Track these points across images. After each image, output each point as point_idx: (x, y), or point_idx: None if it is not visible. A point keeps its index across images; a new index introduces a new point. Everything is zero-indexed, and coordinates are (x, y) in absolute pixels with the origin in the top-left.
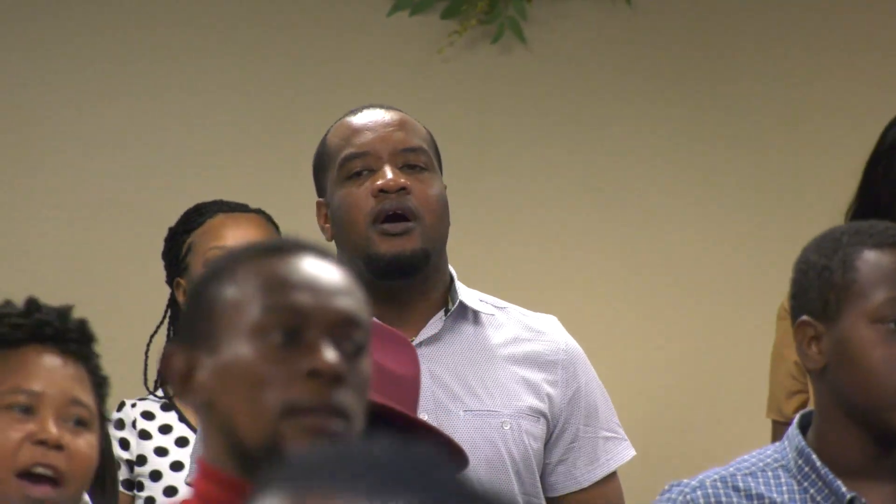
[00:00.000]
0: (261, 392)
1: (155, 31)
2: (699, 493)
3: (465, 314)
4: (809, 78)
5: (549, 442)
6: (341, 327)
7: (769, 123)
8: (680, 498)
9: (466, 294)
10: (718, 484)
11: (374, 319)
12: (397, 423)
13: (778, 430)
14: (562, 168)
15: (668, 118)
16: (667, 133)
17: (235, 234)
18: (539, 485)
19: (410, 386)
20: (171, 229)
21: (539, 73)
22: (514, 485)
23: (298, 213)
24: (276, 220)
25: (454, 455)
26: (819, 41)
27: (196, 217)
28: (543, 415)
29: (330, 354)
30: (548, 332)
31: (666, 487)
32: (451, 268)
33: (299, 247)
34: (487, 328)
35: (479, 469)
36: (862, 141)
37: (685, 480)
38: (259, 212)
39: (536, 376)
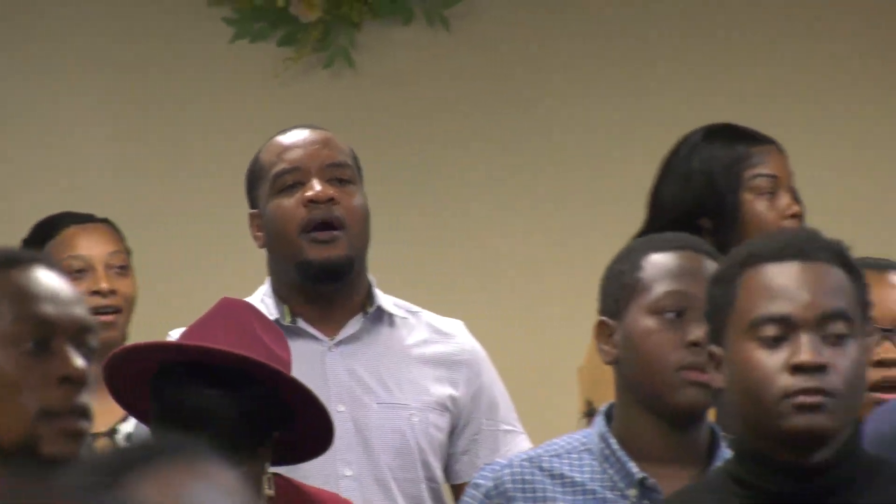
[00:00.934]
0: (17, 396)
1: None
2: (507, 471)
3: (382, 317)
4: (615, 99)
5: (453, 434)
6: (82, 334)
7: (576, 142)
8: (490, 475)
9: (383, 299)
10: (525, 464)
11: (258, 309)
12: (291, 399)
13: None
14: (388, 183)
15: (487, 136)
16: (484, 149)
17: (88, 244)
18: (440, 472)
19: (287, 368)
20: (24, 241)
21: (367, 94)
22: (420, 471)
23: (150, 225)
24: (135, 230)
25: (325, 431)
26: (627, 66)
27: (48, 229)
28: (448, 409)
29: (78, 361)
30: (455, 334)
31: (481, 468)
32: (370, 275)
33: (33, 259)
34: (401, 330)
35: (389, 455)
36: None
37: (498, 461)
38: (106, 221)
39: (443, 374)
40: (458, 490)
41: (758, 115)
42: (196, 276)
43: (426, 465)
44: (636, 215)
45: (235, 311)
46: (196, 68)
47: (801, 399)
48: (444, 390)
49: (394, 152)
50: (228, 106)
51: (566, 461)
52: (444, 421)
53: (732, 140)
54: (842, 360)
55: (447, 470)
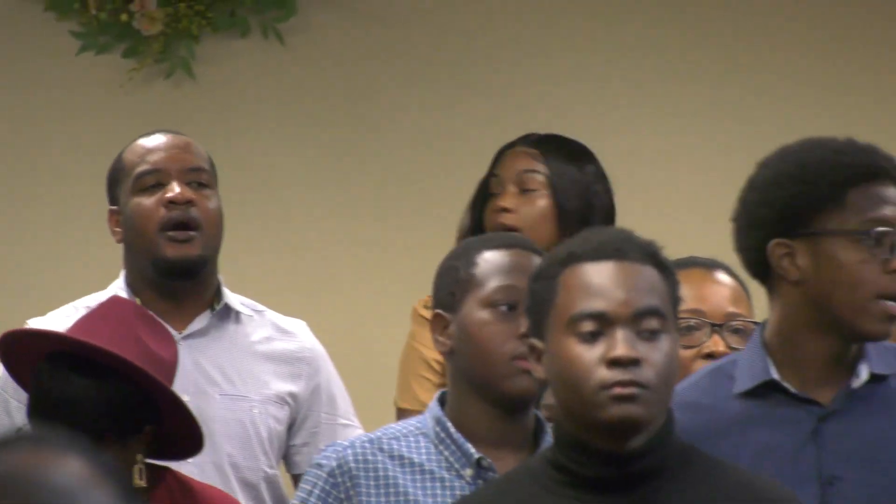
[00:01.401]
0: None
1: None
2: (349, 451)
3: (229, 314)
4: (441, 109)
5: (293, 427)
6: None
7: (402, 151)
8: (334, 455)
9: (231, 297)
10: (367, 445)
11: (148, 312)
12: (158, 397)
13: (402, 417)
14: (223, 187)
15: (318, 143)
16: (316, 156)
17: None
18: (276, 460)
19: (171, 368)
20: None
21: (206, 103)
22: (259, 460)
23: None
24: None
25: (194, 437)
26: (451, 79)
27: None
28: (288, 403)
29: None
30: (296, 333)
31: (324, 448)
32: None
33: None
34: (246, 327)
35: (230, 445)
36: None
37: (340, 442)
38: None
39: (284, 370)
40: (297, 480)
41: (574, 127)
42: (45, 277)
43: (265, 455)
44: (456, 221)
45: (119, 310)
46: (45, 79)
47: (617, 391)
48: (284, 385)
49: (230, 158)
50: (76, 114)
51: (404, 443)
52: (283, 414)
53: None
54: (655, 354)
55: (287, 461)
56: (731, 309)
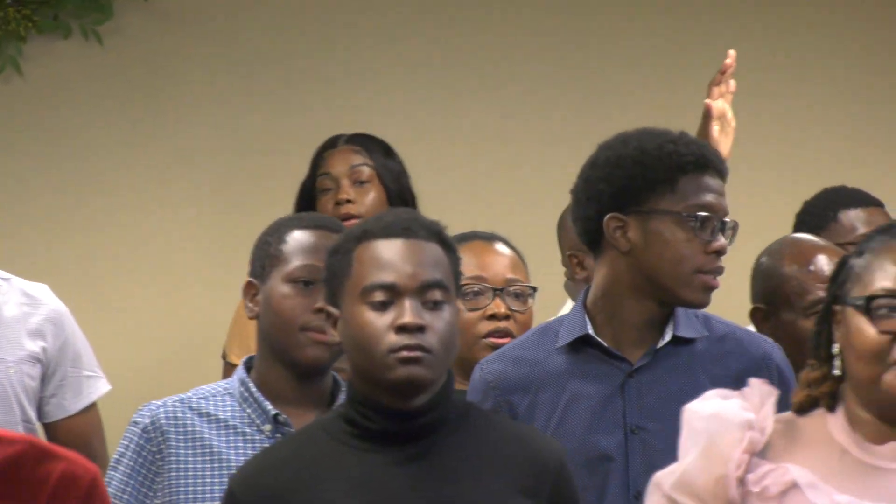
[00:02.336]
0: None
1: None
2: (162, 410)
3: None
4: (247, 107)
5: (43, 381)
6: None
7: (210, 143)
8: (148, 414)
9: None
10: (178, 404)
11: None
12: None
13: (227, 369)
14: (47, 177)
15: (132, 139)
16: (130, 152)
17: None
18: (34, 414)
19: None
20: None
21: (34, 99)
22: (17, 414)
23: None
24: None
25: None
26: (257, 78)
27: None
28: (40, 360)
29: None
30: (41, 297)
31: (140, 408)
32: None
33: None
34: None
35: None
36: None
37: (153, 402)
38: None
39: (34, 331)
40: (49, 428)
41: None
42: None
43: (22, 409)
44: (272, 213)
45: None
46: None
47: (404, 354)
48: (35, 345)
49: (55, 151)
50: None
51: (212, 402)
52: (36, 371)
53: None
54: (438, 322)
55: (39, 411)
56: (510, 275)
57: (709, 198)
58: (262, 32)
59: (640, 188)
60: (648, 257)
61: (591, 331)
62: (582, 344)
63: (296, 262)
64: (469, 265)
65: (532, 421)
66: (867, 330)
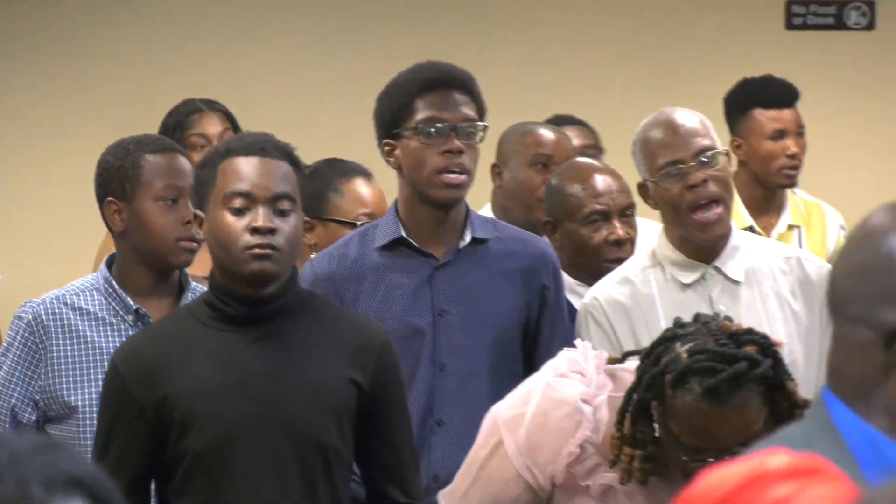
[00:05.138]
0: None
1: None
2: (41, 306)
3: None
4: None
5: None
6: None
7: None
8: (30, 309)
9: None
10: (55, 301)
11: None
12: None
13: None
14: None
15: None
16: None
17: None
18: None
19: None
20: None
21: None
22: None
23: None
24: None
25: None
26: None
27: None
28: None
29: None
30: None
31: (22, 304)
32: None
33: None
34: None
35: None
36: None
37: (34, 299)
38: None
39: None
40: None
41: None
42: None
43: None
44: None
45: None
46: None
47: (256, 251)
48: None
49: None
50: None
51: (82, 297)
52: None
53: None
54: (286, 226)
55: None
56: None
57: (444, 113)
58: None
59: (395, 115)
60: (408, 171)
61: (403, 233)
62: (396, 244)
63: (159, 184)
64: None
65: (357, 306)
66: None
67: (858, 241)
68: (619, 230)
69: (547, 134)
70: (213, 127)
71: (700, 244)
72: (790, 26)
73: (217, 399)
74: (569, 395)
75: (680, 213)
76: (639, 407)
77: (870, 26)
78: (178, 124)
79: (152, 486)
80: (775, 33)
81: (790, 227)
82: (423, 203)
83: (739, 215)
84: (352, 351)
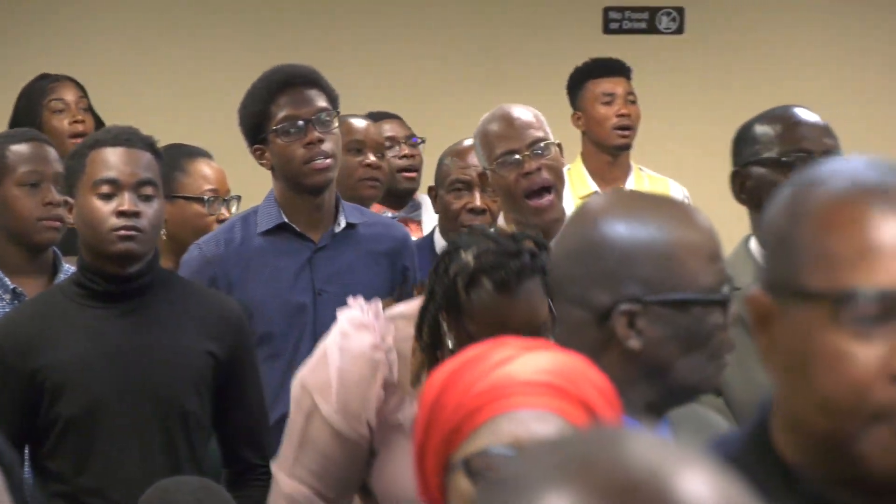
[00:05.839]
0: None
1: None
2: None
3: None
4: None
5: None
6: None
7: None
8: None
9: None
10: None
11: None
12: None
13: None
14: None
15: None
16: None
17: None
18: None
19: None
20: None
21: None
22: None
23: None
24: None
25: None
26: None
27: None
28: None
29: None
30: None
31: None
32: None
33: None
34: None
35: None
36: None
37: None
38: None
39: None
40: None
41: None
42: None
43: None
44: None
45: None
46: None
47: (122, 232)
48: None
49: None
50: None
51: None
52: None
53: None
54: (149, 210)
55: None
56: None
57: (301, 110)
58: None
59: (257, 120)
60: (280, 168)
61: (285, 219)
62: (278, 230)
63: (22, 169)
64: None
65: (245, 286)
66: None
67: (574, 225)
68: (478, 200)
69: (358, 123)
70: (70, 93)
71: (535, 227)
72: (607, 30)
73: (86, 369)
74: (361, 348)
75: (515, 199)
76: (433, 320)
77: (679, 30)
78: (39, 89)
79: (26, 452)
80: (593, 37)
81: None
82: (299, 193)
83: (585, 183)
84: (210, 325)
